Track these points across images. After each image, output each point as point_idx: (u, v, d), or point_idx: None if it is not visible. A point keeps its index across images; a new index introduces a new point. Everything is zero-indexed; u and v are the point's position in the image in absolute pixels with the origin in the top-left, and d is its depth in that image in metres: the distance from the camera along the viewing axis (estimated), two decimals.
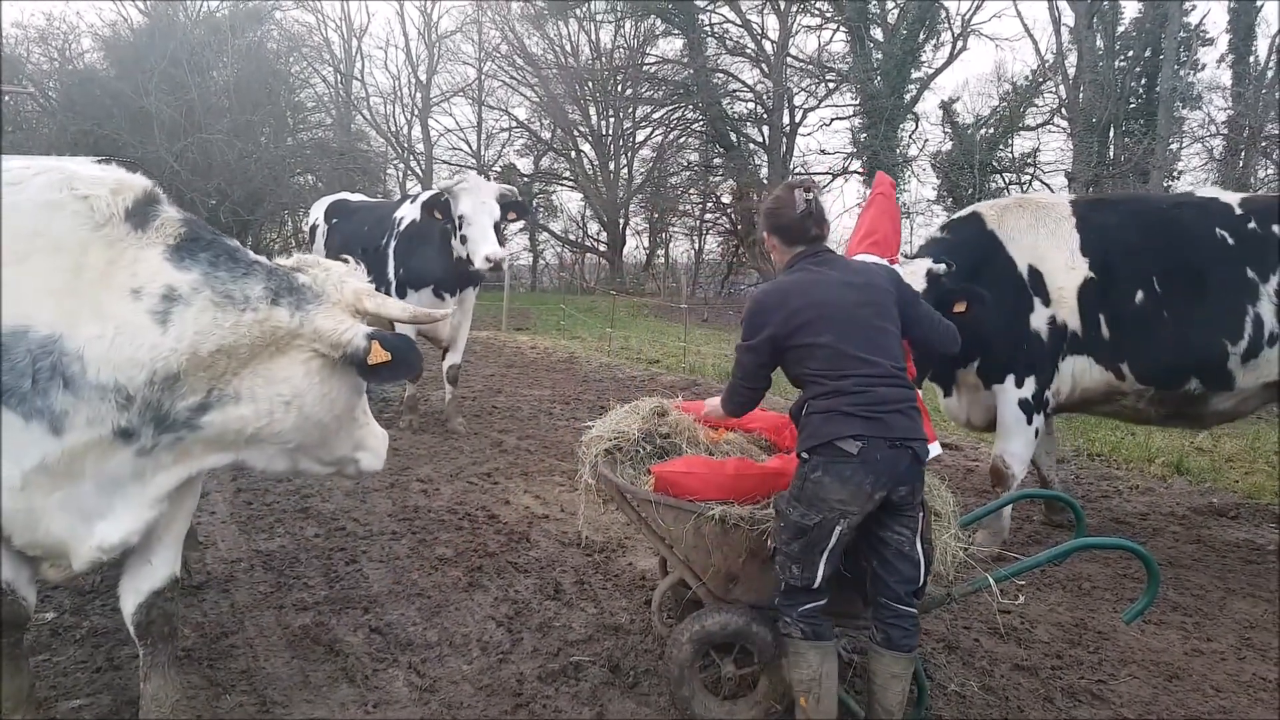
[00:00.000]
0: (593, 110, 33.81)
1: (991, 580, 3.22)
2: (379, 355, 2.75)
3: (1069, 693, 3.66)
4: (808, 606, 2.97)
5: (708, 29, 29.79)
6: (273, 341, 2.69)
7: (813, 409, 2.96)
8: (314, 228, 9.39)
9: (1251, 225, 5.03)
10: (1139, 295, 4.97)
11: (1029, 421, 5.05)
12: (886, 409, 2.87)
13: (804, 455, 2.96)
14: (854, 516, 2.85)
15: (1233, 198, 5.27)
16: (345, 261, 3.08)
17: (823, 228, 3.16)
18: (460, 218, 7.21)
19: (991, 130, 27.27)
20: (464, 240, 7.22)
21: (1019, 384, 5.02)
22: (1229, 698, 3.68)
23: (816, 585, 2.94)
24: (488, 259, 7.03)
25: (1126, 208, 5.37)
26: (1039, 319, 5.01)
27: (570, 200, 37.51)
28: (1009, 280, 5.05)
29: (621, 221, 34.75)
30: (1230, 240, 5.00)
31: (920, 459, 2.90)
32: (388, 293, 7.61)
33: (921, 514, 2.94)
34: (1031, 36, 35.37)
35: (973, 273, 4.88)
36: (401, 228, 7.91)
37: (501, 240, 7.37)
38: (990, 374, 5.11)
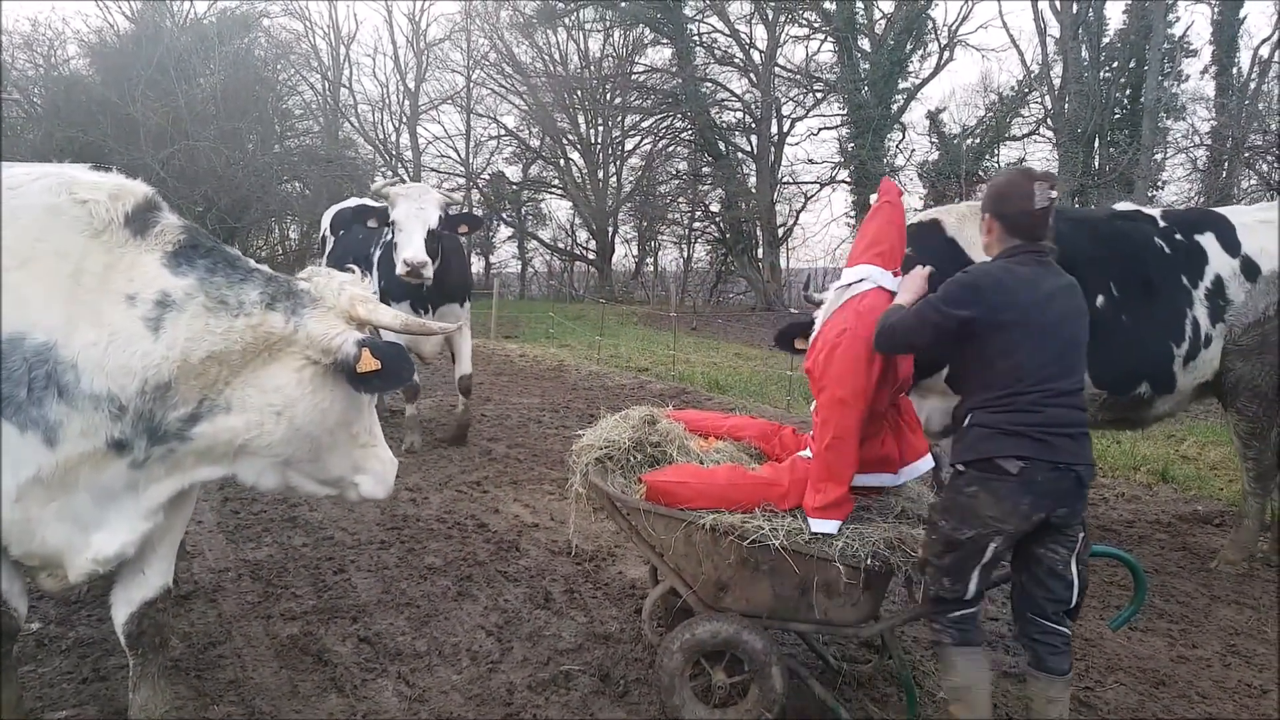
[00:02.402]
0: (581, 118, 33.83)
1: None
2: (368, 363, 2.69)
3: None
4: (960, 613, 2.95)
5: (696, 38, 29.84)
6: (266, 348, 2.65)
7: (976, 421, 2.93)
8: (324, 239, 9.25)
9: (1178, 235, 5.28)
10: (1100, 300, 5.04)
11: None
12: (1056, 431, 2.82)
13: (959, 468, 2.95)
14: (1009, 535, 2.84)
15: (1154, 210, 5.55)
16: (351, 271, 3.06)
17: (1047, 231, 3.03)
18: (393, 224, 6.86)
19: (978, 140, 27.45)
20: (394, 248, 6.84)
21: None
22: (1214, 704, 3.72)
23: (969, 598, 2.93)
24: (405, 262, 6.60)
25: (1071, 217, 5.49)
26: None
27: (559, 208, 37.52)
28: None
29: (610, 230, 34.79)
30: (1166, 249, 5.22)
31: (1084, 482, 2.85)
32: None
33: (1082, 534, 2.88)
34: (1017, 47, 35.72)
35: (938, 281, 4.90)
36: (386, 237, 7.62)
37: (434, 253, 6.81)
38: (959, 384, 5.04)
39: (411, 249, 6.65)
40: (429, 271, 6.71)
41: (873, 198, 3.83)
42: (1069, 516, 2.85)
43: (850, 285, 3.43)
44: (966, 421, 2.97)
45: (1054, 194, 2.99)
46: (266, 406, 2.66)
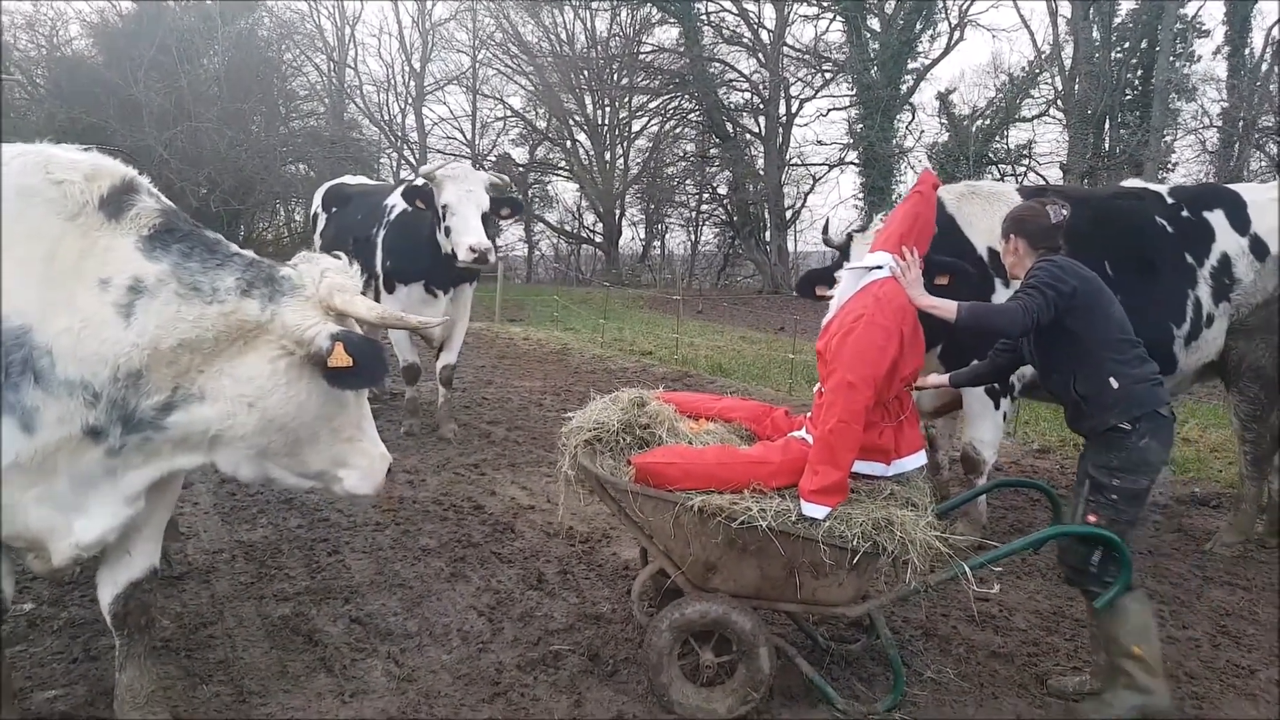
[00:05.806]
0: (588, 99, 33.65)
1: (967, 568, 3.21)
2: (340, 359, 2.56)
3: (1045, 680, 3.67)
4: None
5: (704, 18, 29.67)
6: (241, 336, 2.59)
7: (1125, 378, 3.20)
8: (314, 216, 9.08)
9: (1184, 213, 5.17)
10: None
11: (996, 406, 5.03)
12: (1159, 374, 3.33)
13: (1125, 426, 3.18)
14: None
15: (1161, 188, 5.45)
16: (338, 257, 3.00)
17: (1061, 242, 3.49)
18: (444, 207, 6.65)
19: (987, 121, 27.28)
20: (447, 232, 6.68)
21: None
22: (1202, 684, 3.71)
23: None
24: (471, 249, 6.43)
25: (1070, 196, 5.38)
26: (999, 300, 4.93)
27: (566, 191, 37.41)
28: (969, 262, 4.95)
29: (617, 212, 34.65)
30: (1169, 228, 5.12)
31: None
32: (376, 286, 7.33)
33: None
34: (1028, 27, 35.27)
35: (941, 251, 4.85)
36: (392, 216, 7.48)
37: (492, 234, 6.73)
38: (954, 360, 4.98)
39: (475, 234, 6.51)
40: (493, 256, 6.65)
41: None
42: None
43: (869, 270, 3.49)
44: (1115, 384, 3.20)
45: (1065, 211, 3.41)
46: (239, 397, 2.59)
